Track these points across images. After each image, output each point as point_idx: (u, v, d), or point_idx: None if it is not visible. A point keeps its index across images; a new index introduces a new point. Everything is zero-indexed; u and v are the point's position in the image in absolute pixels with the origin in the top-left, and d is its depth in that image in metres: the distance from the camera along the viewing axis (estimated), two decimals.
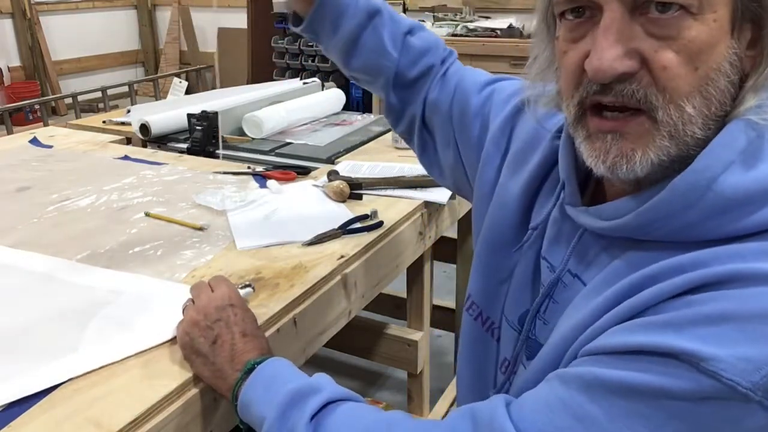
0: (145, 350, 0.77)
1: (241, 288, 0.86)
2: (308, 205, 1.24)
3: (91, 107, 4.73)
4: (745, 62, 0.53)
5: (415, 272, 1.42)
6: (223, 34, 5.61)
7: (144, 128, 1.70)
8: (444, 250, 1.84)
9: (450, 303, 1.99)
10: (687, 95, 0.51)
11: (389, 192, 1.29)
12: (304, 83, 2.11)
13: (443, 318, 1.97)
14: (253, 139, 1.70)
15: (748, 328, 0.47)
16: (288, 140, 1.69)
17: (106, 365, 0.74)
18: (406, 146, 1.59)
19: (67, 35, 5.45)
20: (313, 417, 0.61)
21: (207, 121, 1.62)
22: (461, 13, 4.11)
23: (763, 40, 0.51)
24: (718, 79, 0.51)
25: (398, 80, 0.89)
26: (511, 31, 3.53)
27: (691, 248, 0.52)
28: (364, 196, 1.27)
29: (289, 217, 1.18)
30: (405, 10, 4.42)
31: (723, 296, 0.49)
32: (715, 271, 0.50)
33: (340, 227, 1.10)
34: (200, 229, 1.12)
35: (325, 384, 0.65)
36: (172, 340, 0.78)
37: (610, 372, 0.51)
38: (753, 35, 0.52)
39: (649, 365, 0.49)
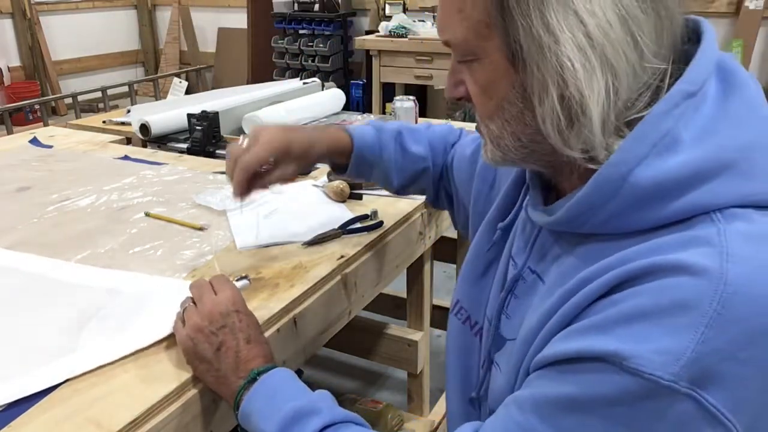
0: (145, 350, 0.77)
1: (237, 281, 0.85)
2: (308, 205, 1.24)
3: (91, 107, 4.74)
4: None
5: (415, 272, 1.42)
6: (223, 34, 5.61)
7: (144, 128, 1.70)
8: (444, 250, 1.84)
9: (450, 303, 1.99)
10: (488, 117, 0.62)
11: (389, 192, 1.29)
12: (304, 83, 2.11)
13: (443, 318, 1.95)
14: None
15: (663, 321, 0.48)
16: None
17: (106, 365, 0.74)
18: None
19: (67, 35, 5.45)
20: None
21: (207, 121, 1.61)
22: None
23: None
24: (509, 105, 0.59)
25: (437, 172, 1.02)
26: None
27: (624, 239, 0.55)
28: (364, 196, 1.27)
29: (289, 217, 1.18)
30: (405, 10, 4.43)
31: (639, 292, 0.50)
32: (633, 266, 0.51)
33: (340, 227, 1.10)
34: (200, 229, 1.12)
35: (325, 406, 0.67)
36: (172, 340, 0.78)
37: (554, 388, 0.53)
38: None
39: (583, 374, 0.51)
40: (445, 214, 1.35)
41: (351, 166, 0.96)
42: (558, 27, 0.52)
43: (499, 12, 0.55)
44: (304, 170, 0.94)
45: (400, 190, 1.03)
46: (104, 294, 0.90)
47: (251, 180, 0.87)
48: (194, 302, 0.77)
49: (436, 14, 3.92)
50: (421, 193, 1.06)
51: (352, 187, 1.26)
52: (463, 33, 0.59)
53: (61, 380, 0.71)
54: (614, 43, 0.52)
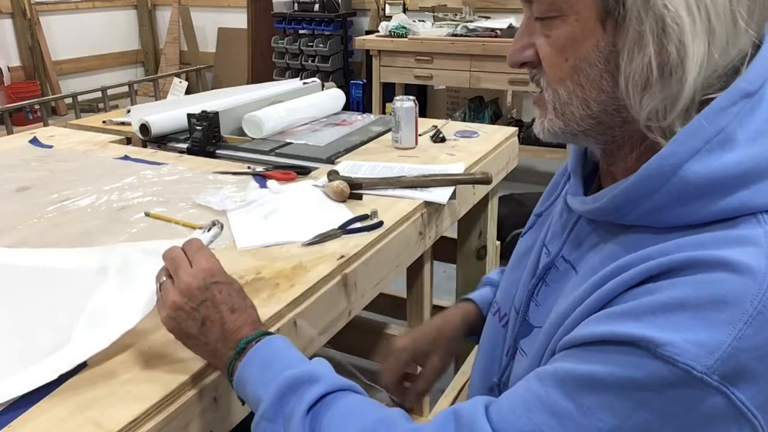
0: (145, 350, 0.77)
1: (207, 231, 0.83)
2: (308, 205, 1.24)
3: (91, 107, 4.74)
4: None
5: (415, 272, 1.42)
6: (223, 34, 5.61)
7: (144, 128, 1.69)
8: (444, 250, 1.84)
9: (450, 303, 1.99)
10: (559, 81, 0.60)
11: (389, 192, 1.29)
12: (304, 83, 2.11)
13: None
14: (253, 139, 1.70)
15: (700, 314, 0.48)
16: (288, 140, 1.69)
17: (105, 362, 0.74)
18: (406, 146, 1.60)
19: (67, 35, 5.45)
20: (310, 408, 0.62)
21: (207, 121, 1.61)
22: (461, 13, 4.11)
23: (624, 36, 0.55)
24: (588, 67, 0.57)
25: None
26: (510, 31, 3.52)
27: (665, 233, 0.55)
28: (364, 196, 1.27)
29: (289, 217, 1.18)
30: (405, 10, 4.43)
31: (679, 283, 0.50)
32: (672, 258, 0.51)
33: (340, 227, 1.10)
34: (200, 229, 1.12)
35: (324, 373, 0.66)
36: (172, 339, 0.78)
37: (580, 366, 0.53)
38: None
39: (613, 355, 0.51)
40: (446, 214, 1.35)
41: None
42: None
43: None
44: (447, 360, 0.92)
45: None
46: (93, 275, 0.89)
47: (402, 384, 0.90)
48: (170, 276, 0.74)
49: (436, 14, 3.90)
50: None
51: (352, 187, 1.26)
52: None
53: (58, 375, 0.71)
54: (718, 6, 0.52)
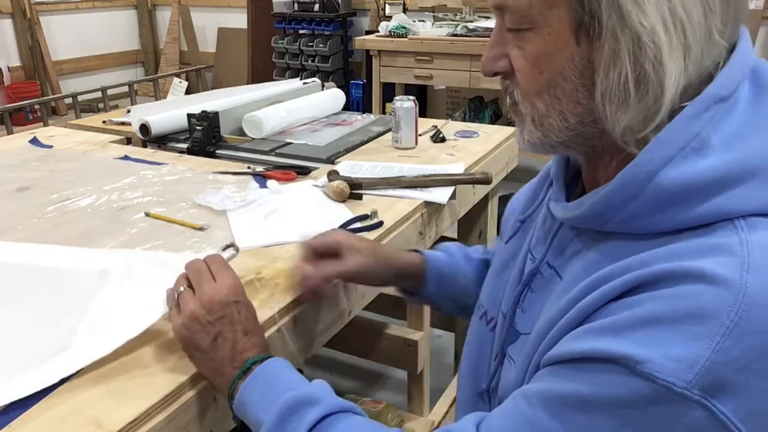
0: (145, 350, 0.77)
1: (224, 250, 0.83)
2: (308, 205, 1.24)
3: (91, 107, 4.74)
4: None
5: None
6: (223, 34, 5.61)
7: (144, 128, 1.70)
8: None
9: None
10: (536, 94, 0.59)
11: (389, 192, 1.29)
12: (304, 83, 2.11)
13: (443, 318, 1.97)
14: (253, 139, 1.70)
15: (678, 328, 0.48)
16: (288, 140, 1.69)
17: (107, 364, 0.74)
18: (406, 146, 1.60)
19: (67, 35, 5.45)
20: (310, 429, 0.63)
21: (207, 121, 1.61)
22: (461, 13, 4.11)
23: (600, 49, 0.55)
24: (563, 81, 0.57)
25: None
26: None
27: (645, 240, 0.55)
28: (364, 196, 1.27)
29: (289, 217, 1.18)
30: (405, 10, 4.43)
31: (656, 297, 0.50)
32: (650, 271, 0.51)
33: (340, 227, 1.10)
34: (200, 229, 1.12)
35: (324, 395, 0.66)
36: (171, 339, 0.78)
37: (564, 386, 0.53)
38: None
39: (595, 374, 0.51)
40: (446, 214, 1.35)
41: (428, 283, 0.91)
42: (649, 6, 0.51)
43: None
44: (371, 272, 0.88)
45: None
46: (95, 279, 0.88)
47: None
48: (191, 286, 0.75)
49: (436, 14, 3.89)
50: None
51: (352, 187, 1.26)
52: None
53: (59, 378, 0.71)
54: (693, 22, 0.52)
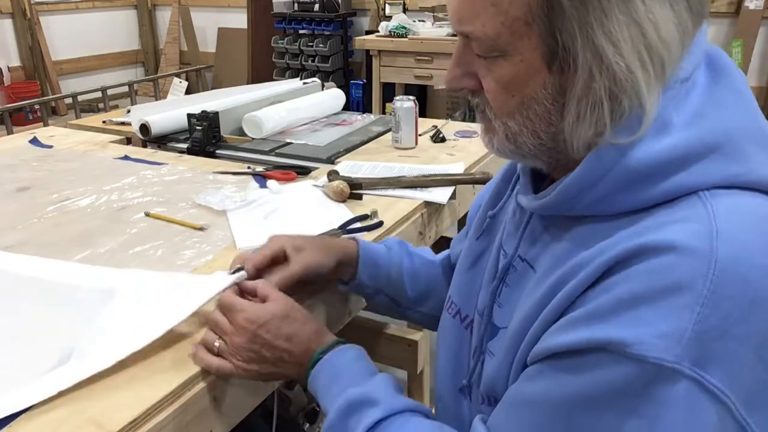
0: (145, 349, 0.77)
1: (233, 273, 0.83)
2: (308, 205, 1.24)
3: (91, 107, 4.73)
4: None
5: None
6: (223, 34, 5.61)
7: (144, 128, 1.70)
8: (444, 250, 1.84)
9: None
10: (508, 115, 0.60)
11: (389, 192, 1.29)
12: (304, 83, 2.11)
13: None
14: (253, 139, 1.70)
15: (659, 304, 0.49)
16: (288, 140, 1.69)
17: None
18: (406, 146, 1.60)
19: (67, 35, 5.45)
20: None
21: (207, 121, 1.62)
22: None
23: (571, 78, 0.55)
24: (535, 105, 0.58)
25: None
26: None
27: (613, 220, 0.56)
28: (364, 196, 1.27)
29: (289, 217, 1.18)
30: (405, 10, 4.43)
31: (631, 274, 0.51)
32: (620, 249, 0.52)
33: (340, 227, 1.10)
34: (200, 229, 1.12)
35: (383, 396, 0.67)
36: (171, 338, 0.78)
37: (563, 386, 0.53)
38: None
39: (587, 365, 0.51)
40: (446, 214, 1.35)
41: (360, 272, 0.90)
42: (620, 36, 0.52)
43: (546, 13, 0.53)
44: (318, 263, 0.87)
45: (416, 305, 0.95)
46: (99, 295, 0.88)
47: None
48: (221, 339, 0.75)
49: (436, 14, 3.88)
50: (439, 311, 0.92)
51: (352, 187, 1.26)
52: (495, 28, 0.56)
53: (58, 391, 0.69)
54: (671, 51, 0.53)
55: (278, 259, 0.86)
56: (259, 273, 0.84)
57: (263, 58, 5.06)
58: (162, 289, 0.88)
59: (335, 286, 0.95)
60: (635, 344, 0.48)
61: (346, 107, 2.05)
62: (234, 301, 0.76)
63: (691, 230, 0.50)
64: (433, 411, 0.78)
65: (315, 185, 1.32)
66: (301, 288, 0.86)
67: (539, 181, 0.69)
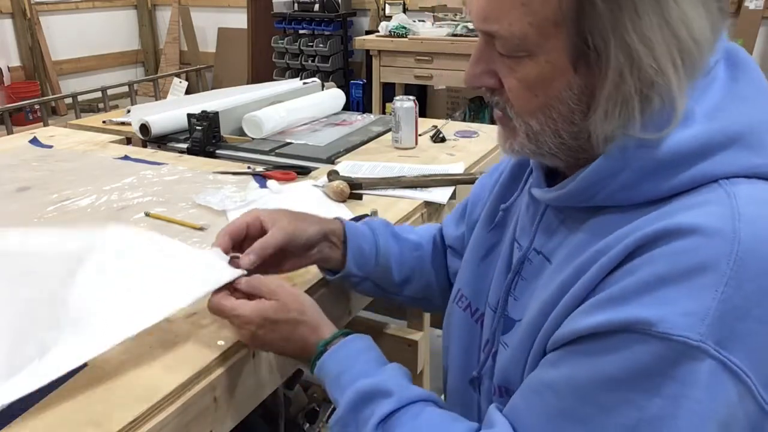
0: (144, 350, 0.77)
1: (229, 261, 0.79)
2: (308, 205, 1.24)
3: (91, 107, 4.73)
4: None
5: None
6: (223, 34, 5.61)
7: (144, 128, 1.70)
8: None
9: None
10: (530, 114, 0.60)
11: (389, 192, 1.29)
12: (304, 83, 2.11)
13: (443, 318, 1.96)
14: (253, 139, 1.70)
15: (683, 284, 0.50)
16: (288, 140, 1.69)
17: (105, 365, 0.74)
18: (406, 146, 1.60)
19: (67, 35, 5.45)
20: (380, 422, 0.64)
21: (207, 121, 1.62)
22: (461, 13, 4.10)
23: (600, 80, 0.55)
24: (559, 104, 0.58)
25: (437, 258, 0.96)
26: None
27: (633, 211, 0.56)
28: (364, 196, 1.27)
29: None
30: (405, 10, 4.43)
31: (656, 256, 0.51)
32: (645, 232, 0.53)
33: None
34: (200, 229, 1.12)
35: (396, 386, 0.66)
36: (171, 339, 0.78)
37: (587, 368, 0.53)
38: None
39: (613, 347, 0.52)
40: (446, 214, 1.35)
41: (349, 260, 0.87)
42: (654, 38, 0.52)
43: (577, 13, 0.53)
44: (297, 232, 0.83)
45: (401, 288, 0.93)
46: (75, 263, 0.79)
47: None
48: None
49: (436, 14, 3.86)
50: (425, 291, 0.95)
51: (352, 187, 1.26)
52: (523, 29, 0.55)
53: (48, 381, 0.66)
54: (702, 48, 0.54)
55: (254, 230, 0.82)
56: (234, 244, 0.81)
57: (263, 58, 5.06)
58: (148, 258, 0.82)
59: (332, 284, 0.95)
60: (659, 323, 0.49)
61: (346, 107, 2.05)
62: (233, 306, 0.74)
63: (713, 212, 0.51)
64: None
65: (315, 185, 1.32)
66: (283, 260, 0.83)
67: (552, 175, 0.69)
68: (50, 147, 1.68)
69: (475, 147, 1.62)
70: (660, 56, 0.52)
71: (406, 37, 3.80)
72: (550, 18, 0.54)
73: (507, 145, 0.65)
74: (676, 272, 0.50)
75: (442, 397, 0.81)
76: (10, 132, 3.23)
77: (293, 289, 0.76)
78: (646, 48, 0.52)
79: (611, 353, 0.52)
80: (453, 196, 1.32)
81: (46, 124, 3.38)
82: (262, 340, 0.73)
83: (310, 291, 0.93)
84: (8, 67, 5.07)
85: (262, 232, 0.82)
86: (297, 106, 1.84)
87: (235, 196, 1.26)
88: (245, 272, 0.78)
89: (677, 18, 0.52)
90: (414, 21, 3.94)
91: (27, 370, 0.68)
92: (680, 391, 0.49)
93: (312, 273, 0.96)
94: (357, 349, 0.72)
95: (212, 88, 4.75)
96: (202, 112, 1.63)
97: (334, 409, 0.70)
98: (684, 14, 0.52)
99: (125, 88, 4.24)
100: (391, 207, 1.22)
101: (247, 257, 0.78)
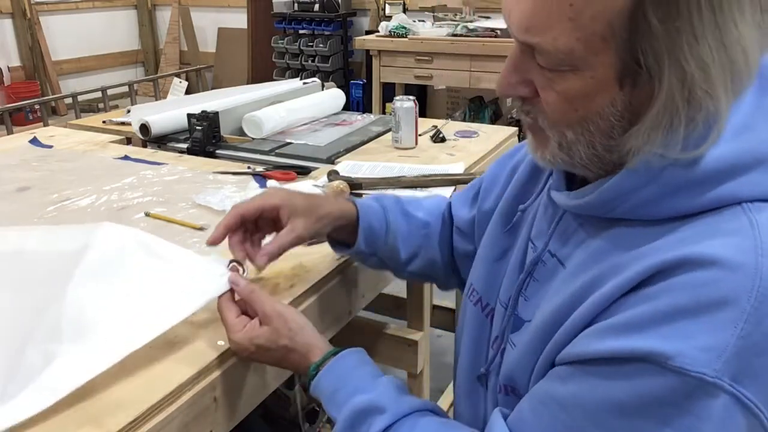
0: (145, 350, 0.76)
1: (228, 265, 0.81)
2: None
3: (91, 107, 4.73)
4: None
5: None
6: (223, 34, 5.61)
7: (144, 128, 1.70)
8: None
9: (450, 303, 1.99)
10: (566, 126, 0.57)
11: (389, 192, 1.29)
12: (304, 83, 2.11)
13: (443, 318, 1.97)
14: (253, 139, 1.70)
15: (702, 318, 0.49)
16: (288, 140, 1.69)
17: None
18: (406, 146, 1.60)
19: (67, 35, 5.45)
20: None
21: (207, 121, 1.61)
22: (461, 13, 4.11)
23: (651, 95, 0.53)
24: (599, 120, 0.55)
25: (444, 237, 0.95)
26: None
27: (653, 226, 0.55)
28: (364, 196, 1.27)
29: None
30: (405, 10, 4.43)
31: (673, 286, 0.50)
32: (662, 259, 0.52)
33: None
34: (200, 229, 1.12)
35: (390, 402, 0.67)
36: (171, 339, 0.78)
37: (599, 391, 0.53)
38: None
39: (627, 375, 0.51)
40: None
41: (359, 239, 0.88)
42: (710, 62, 0.50)
43: (629, 31, 0.51)
44: (312, 233, 0.85)
45: (406, 265, 0.94)
46: (71, 265, 0.76)
47: (238, 232, 0.83)
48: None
49: (436, 14, 3.84)
50: (429, 268, 0.95)
51: (352, 187, 1.26)
52: (568, 43, 0.52)
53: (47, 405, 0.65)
54: (752, 72, 0.53)
55: (268, 214, 0.83)
56: (244, 225, 0.83)
57: (263, 58, 5.06)
58: (148, 258, 0.81)
59: (333, 287, 0.95)
60: (677, 356, 0.48)
61: (346, 107, 2.05)
62: (223, 319, 0.76)
63: (736, 244, 0.50)
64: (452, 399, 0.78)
65: (315, 185, 1.32)
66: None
67: (572, 177, 0.68)
68: (50, 147, 1.67)
69: (475, 147, 1.62)
70: (714, 80, 0.50)
71: (406, 37, 3.80)
72: (598, 33, 0.51)
73: (538, 155, 0.63)
74: (696, 305, 0.49)
75: (446, 392, 0.82)
76: (10, 132, 3.23)
77: (286, 310, 0.76)
78: (702, 72, 0.50)
79: (625, 380, 0.51)
80: None
81: (46, 124, 3.38)
82: (257, 360, 0.76)
83: (310, 291, 0.93)
84: (8, 67, 5.07)
85: (276, 219, 0.84)
86: (297, 106, 1.84)
87: (235, 196, 1.26)
88: (245, 279, 0.81)
89: (735, 41, 0.50)
90: (414, 21, 3.94)
91: (35, 385, 0.67)
92: (693, 423, 0.49)
93: (312, 273, 0.96)
94: (349, 366, 0.73)
95: (212, 88, 4.75)
96: (202, 112, 1.63)
97: None
98: (742, 38, 0.50)
99: (125, 88, 4.24)
100: None
101: (262, 259, 0.82)
